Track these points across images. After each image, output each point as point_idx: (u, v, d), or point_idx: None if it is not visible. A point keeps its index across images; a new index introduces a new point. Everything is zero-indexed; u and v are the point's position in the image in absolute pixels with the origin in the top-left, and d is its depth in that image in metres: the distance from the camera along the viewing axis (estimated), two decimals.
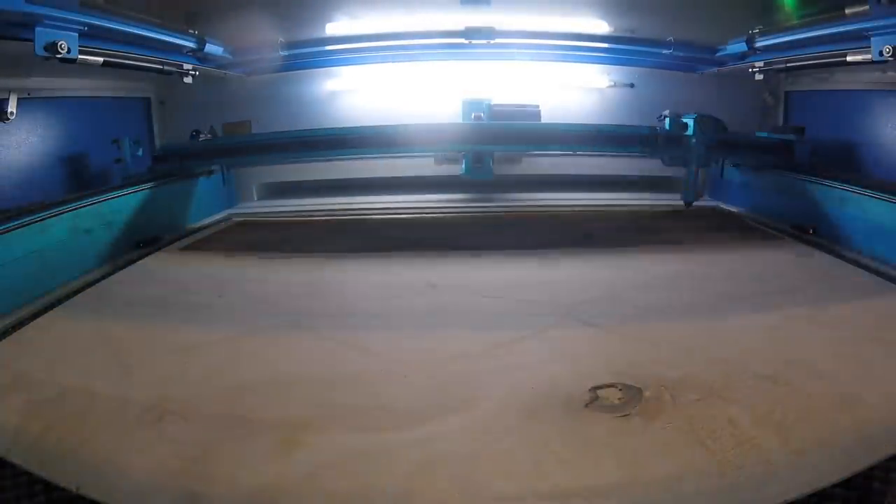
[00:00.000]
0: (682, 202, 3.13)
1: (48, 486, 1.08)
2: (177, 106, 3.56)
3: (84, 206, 2.30)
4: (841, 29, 2.52)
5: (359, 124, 3.19)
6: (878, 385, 1.29)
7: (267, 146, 3.05)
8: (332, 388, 1.34)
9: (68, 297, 1.96)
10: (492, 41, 3.39)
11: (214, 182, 3.41)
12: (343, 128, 3.11)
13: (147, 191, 2.74)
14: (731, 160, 3.34)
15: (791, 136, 3.02)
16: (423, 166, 3.63)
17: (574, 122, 3.29)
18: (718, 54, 3.49)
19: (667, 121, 2.94)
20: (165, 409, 1.24)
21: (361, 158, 3.30)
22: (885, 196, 2.26)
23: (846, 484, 1.04)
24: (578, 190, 3.67)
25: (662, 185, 3.81)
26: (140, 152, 2.98)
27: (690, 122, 2.87)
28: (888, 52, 2.25)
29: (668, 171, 3.73)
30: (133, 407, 1.26)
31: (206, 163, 3.21)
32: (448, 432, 1.16)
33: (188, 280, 2.15)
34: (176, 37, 2.98)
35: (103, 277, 2.18)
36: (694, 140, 2.86)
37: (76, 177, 2.86)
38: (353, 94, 3.73)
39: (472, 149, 3.16)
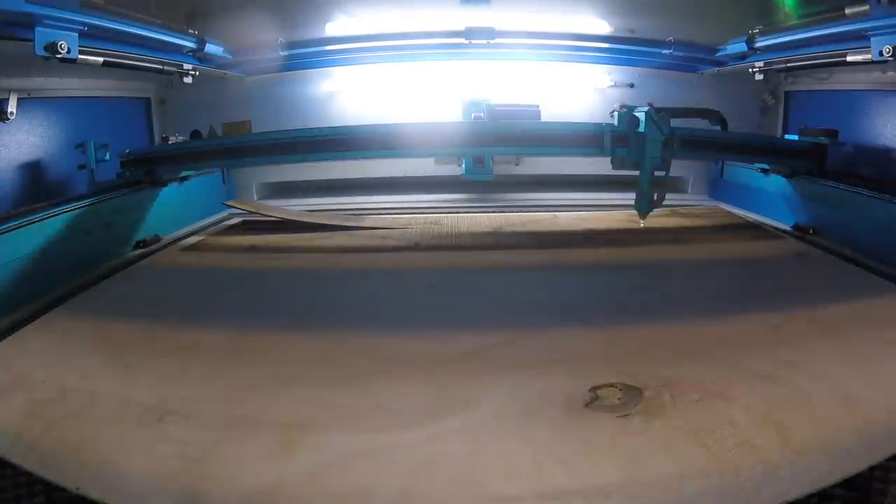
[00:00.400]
0: (677, 202, 3.12)
1: (48, 486, 1.08)
2: (177, 106, 3.56)
3: (83, 207, 2.30)
4: (841, 29, 2.52)
5: (356, 124, 3.18)
6: (878, 385, 1.29)
7: (244, 149, 2.75)
8: (332, 388, 1.34)
9: (68, 297, 1.96)
10: (492, 41, 3.40)
11: (214, 181, 3.41)
12: (324, 128, 2.79)
13: (146, 191, 2.74)
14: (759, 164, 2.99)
15: (822, 140, 2.77)
16: (423, 166, 3.63)
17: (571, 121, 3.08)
18: (718, 54, 3.49)
19: (616, 115, 2.55)
20: (165, 409, 1.24)
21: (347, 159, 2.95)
22: None
23: (846, 484, 1.04)
24: (578, 190, 3.67)
25: (662, 185, 3.81)
26: (107, 156, 2.70)
27: (642, 116, 2.46)
28: (888, 52, 2.25)
29: (670, 172, 3.74)
30: (133, 407, 1.26)
31: (176, 168, 2.87)
32: (448, 432, 1.16)
33: (188, 280, 2.15)
34: (176, 37, 2.98)
35: (103, 277, 2.18)
36: (647, 138, 2.46)
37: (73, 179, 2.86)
38: (353, 94, 3.73)
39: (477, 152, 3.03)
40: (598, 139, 2.53)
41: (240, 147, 2.76)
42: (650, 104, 2.47)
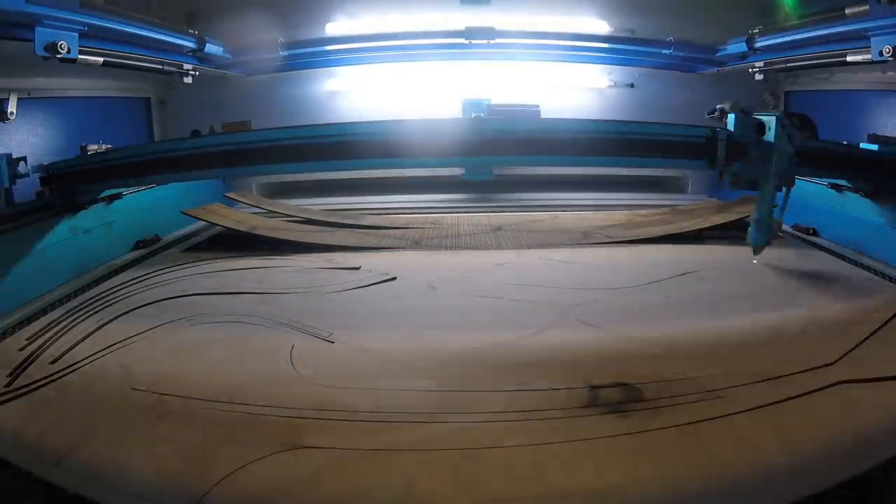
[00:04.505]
0: (678, 202, 3.05)
1: (48, 487, 1.08)
2: (177, 106, 3.56)
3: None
4: (841, 29, 2.52)
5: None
6: (878, 386, 1.29)
7: (192, 159, 2.15)
8: (332, 388, 1.34)
9: (68, 297, 1.97)
10: (492, 41, 3.40)
11: (215, 181, 3.40)
12: (301, 128, 2.22)
13: (148, 191, 2.74)
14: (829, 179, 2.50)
15: None
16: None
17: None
18: (718, 54, 3.49)
19: (730, 118, 1.99)
20: (165, 409, 1.24)
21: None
22: None
23: (846, 485, 1.04)
24: (578, 190, 3.67)
25: (662, 185, 3.82)
26: (27, 171, 2.18)
27: (771, 121, 1.94)
28: (888, 52, 2.25)
29: (669, 171, 3.74)
30: (133, 407, 1.26)
31: (97, 186, 2.34)
32: (448, 432, 1.16)
33: (188, 280, 2.15)
34: (176, 37, 2.98)
35: (103, 277, 2.18)
36: (777, 150, 1.95)
37: None
38: (353, 94, 3.73)
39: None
40: (709, 148, 1.96)
41: (186, 156, 2.14)
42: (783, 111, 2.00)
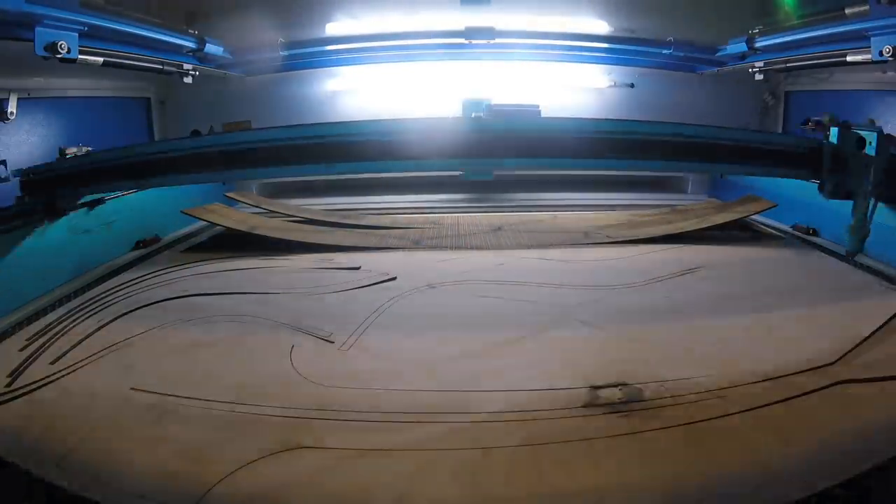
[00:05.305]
0: (677, 202, 3.03)
1: (48, 487, 1.08)
2: (177, 106, 3.56)
3: (83, 207, 2.30)
4: (841, 29, 2.52)
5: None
6: (878, 386, 1.29)
7: (179, 161, 2.01)
8: (332, 388, 1.34)
9: (68, 297, 1.97)
10: (492, 41, 3.40)
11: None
12: (287, 128, 2.11)
13: (147, 191, 2.73)
14: None
15: None
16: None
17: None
18: (718, 54, 3.49)
19: (833, 132, 2.11)
20: (165, 409, 1.24)
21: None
22: None
23: (846, 485, 1.04)
24: (578, 190, 3.68)
25: (662, 185, 3.82)
26: (6, 175, 2.10)
27: (872, 136, 2.03)
28: (888, 52, 2.25)
29: (669, 171, 3.74)
30: (133, 407, 1.26)
31: (80, 190, 2.19)
32: (448, 432, 1.16)
33: (188, 280, 2.15)
34: (176, 37, 2.98)
35: (103, 277, 2.18)
36: (876, 163, 2.00)
37: None
38: (353, 94, 3.73)
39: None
40: (813, 157, 2.07)
41: (176, 158, 2.00)
42: (872, 121, 2.14)
